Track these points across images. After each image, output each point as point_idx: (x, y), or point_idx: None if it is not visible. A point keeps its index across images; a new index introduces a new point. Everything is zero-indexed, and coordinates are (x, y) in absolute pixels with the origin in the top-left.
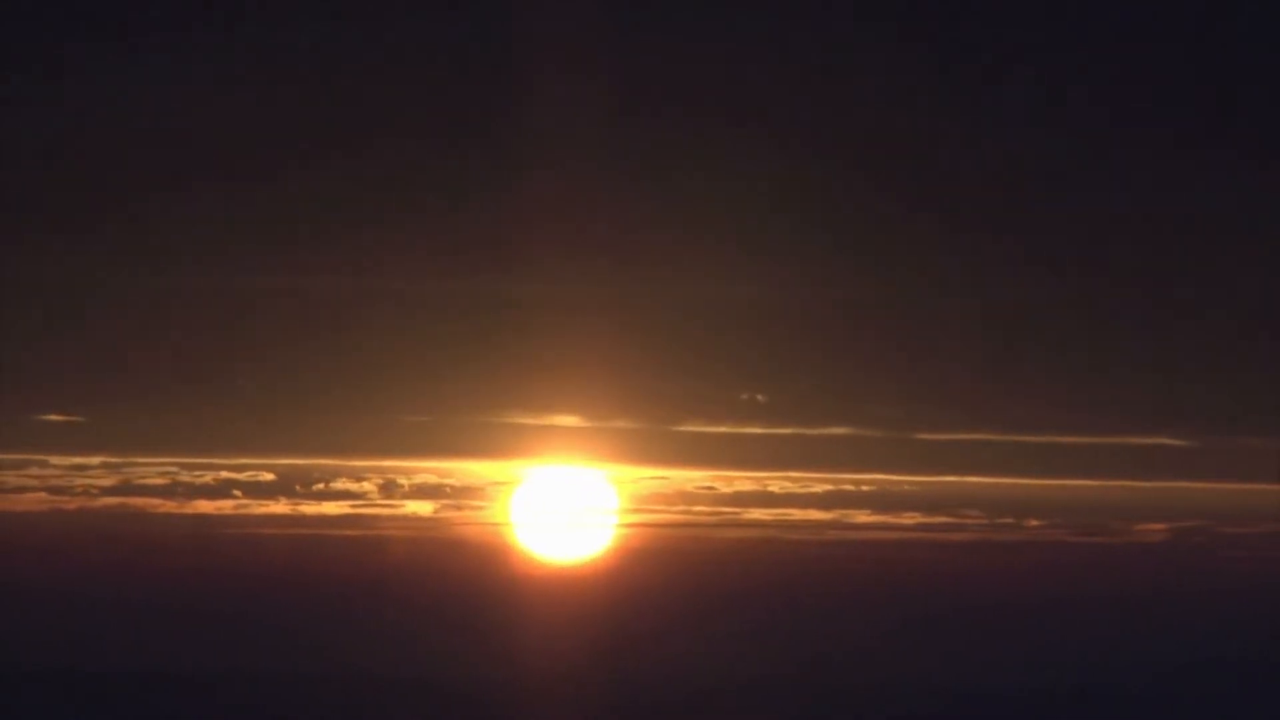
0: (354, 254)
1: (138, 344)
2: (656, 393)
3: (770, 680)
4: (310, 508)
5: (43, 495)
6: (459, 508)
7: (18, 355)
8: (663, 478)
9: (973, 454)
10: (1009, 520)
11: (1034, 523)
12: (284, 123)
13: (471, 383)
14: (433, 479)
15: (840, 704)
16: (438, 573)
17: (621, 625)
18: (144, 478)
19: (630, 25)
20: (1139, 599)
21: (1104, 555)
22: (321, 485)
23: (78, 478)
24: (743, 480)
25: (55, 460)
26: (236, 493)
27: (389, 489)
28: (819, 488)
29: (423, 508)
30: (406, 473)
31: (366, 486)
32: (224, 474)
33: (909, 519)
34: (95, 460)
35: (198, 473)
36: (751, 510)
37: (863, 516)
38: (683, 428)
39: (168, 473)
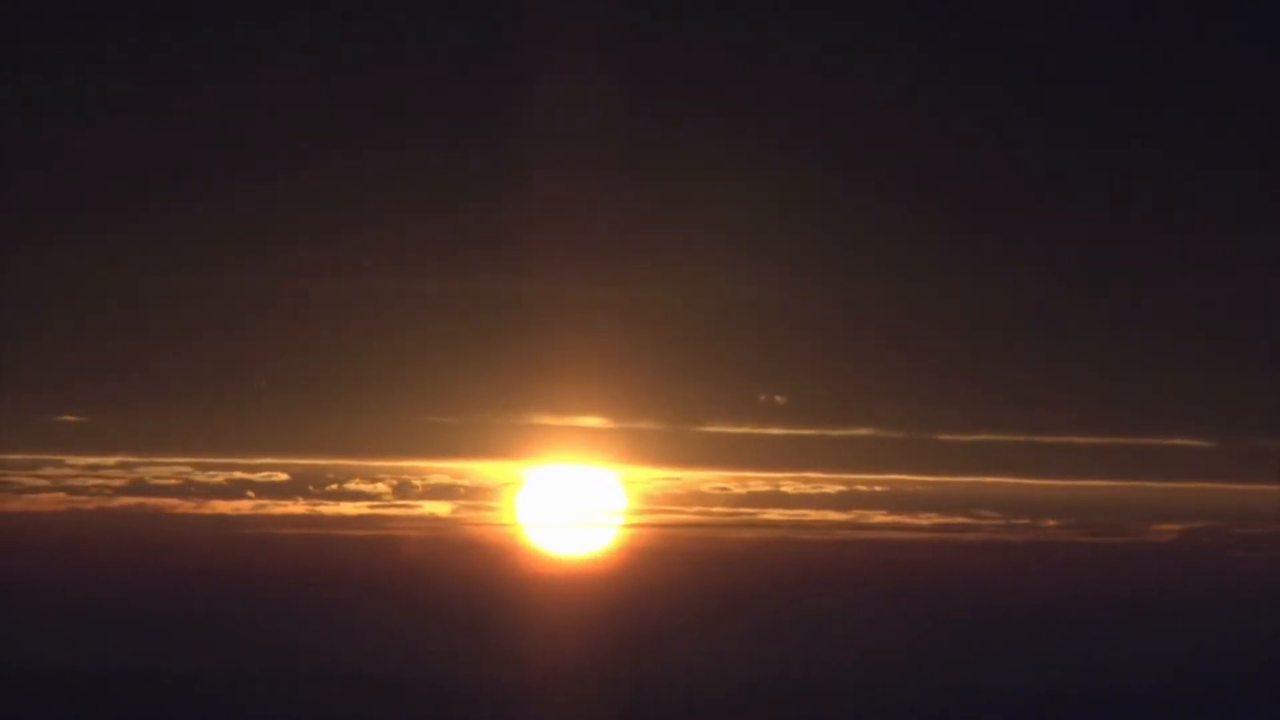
0: (369, 254)
1: (153, 345)
2: (674, 394)
3: (784, 680)
4: (327, 508)
5: (60, 495)
6: (474, 508)
7: (34, 357)
8: (678, 479)
9: (989, 455)
10: (1025, 521)
11: (1050, 523)
12: (307, 120)
13: (487, 383)
14: (447, 479)
15: (855, 705)
16: (452, 573)
17: (636, 626)
18: (159, 478)
19: (631, 25)
20: (1155, 599)
21: (1120, 556)
22: (335, 486)
23: (93, 478)
24: (757, 481)
25: (71, 460)
26: (250, 493)
27: (403, 489)
28: (834, 488)
29: (438, 508)
30: (421, 473)
31: (381, 487)
32: (238, 474)
33: (925, 520)
34: (111, 460)
35: (212, 473)
36: (767, 511)
37: (879, 517)
38: (700, 428)
39: (182, 473)
